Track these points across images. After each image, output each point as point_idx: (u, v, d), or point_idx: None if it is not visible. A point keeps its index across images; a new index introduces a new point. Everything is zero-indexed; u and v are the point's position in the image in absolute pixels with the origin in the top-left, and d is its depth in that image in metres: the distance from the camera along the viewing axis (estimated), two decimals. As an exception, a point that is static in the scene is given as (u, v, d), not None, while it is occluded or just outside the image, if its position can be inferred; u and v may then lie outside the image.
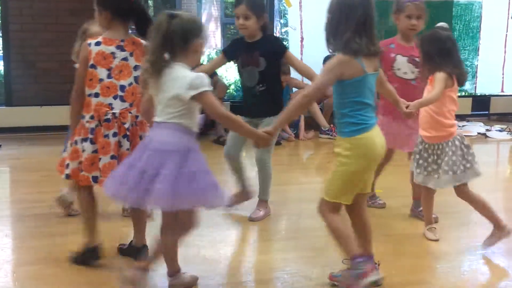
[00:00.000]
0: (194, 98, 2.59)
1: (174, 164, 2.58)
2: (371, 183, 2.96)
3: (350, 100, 2.71)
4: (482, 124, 8.21)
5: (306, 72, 4.01)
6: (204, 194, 2.63)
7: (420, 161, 3.49)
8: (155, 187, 2.55)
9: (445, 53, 3.33)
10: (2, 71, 8.08)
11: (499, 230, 3.40)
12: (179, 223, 2.81)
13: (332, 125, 7.63)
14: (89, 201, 3.18)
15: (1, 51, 8.43)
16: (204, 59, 11.61)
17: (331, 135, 7.42)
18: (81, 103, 3.05)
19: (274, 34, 4.12)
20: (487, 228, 3.84)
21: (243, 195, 4.24)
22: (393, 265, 3.24)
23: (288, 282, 3.08)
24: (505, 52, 8.88)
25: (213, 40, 18.15)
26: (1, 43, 8.01)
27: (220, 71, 11.69)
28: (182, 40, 2.62)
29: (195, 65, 2.76)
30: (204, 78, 2.62)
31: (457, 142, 3.38)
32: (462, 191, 3.44)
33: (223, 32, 18.41)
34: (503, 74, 8.96)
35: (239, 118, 2.73)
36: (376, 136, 2.74)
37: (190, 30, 2.65)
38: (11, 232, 3.85)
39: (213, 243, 3.57)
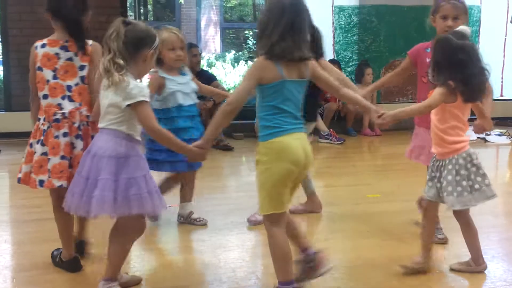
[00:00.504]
0: (130, 106, 2.59)
1: (110, 170, 2.59)
2: (287, 200, 2.75)
3: (267, 104, 2.66)
4: (481, 128, 8.21)
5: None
6: (143, 200, 2.63)
7: (433, 174, 3.19)
8: (94, 194, 2.57)
9: (455, 66, 2.97)
10: (2, 76, 8.09)
11: (476, 264, 3.19)
12: (121, 229, 2.78)
13: (331, 130, 7.66)
14: (61, 211, 3.00)
15: (1, 56, 8.44)
16: (203, 64, 11.62)
17: (331, 140, 7.46)
18: (36, 107, 3.10)
19: (320, 37, 3.93)
20: (486, 232, 3.84)
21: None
22: (391, 269, 3.24)
23: (288, 287, 3.07)
24: (504, 56, 8.91)
25: (213, 45, 18.18)
26: (1, 48, 8.01)
27: (220, 76, 11.72)
28: (133, 47, 2.64)
29: (142, 76, 2.78)
30: (144, 89, 2.62)
31: (461, 161, 3.05)
32: (460, 213, 3.15)
33: (222, 37, 18.44)
34: (502, 78, 8.98)
35: (171, 134, 2.70)
36: (293, 140, 2.65)
37: (143, 38, 2.67)
38: (10, 238, 3.85)
39: (213, 248, 3.56)
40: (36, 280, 3.07)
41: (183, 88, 3.82)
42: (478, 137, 7.74)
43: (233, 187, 5.51)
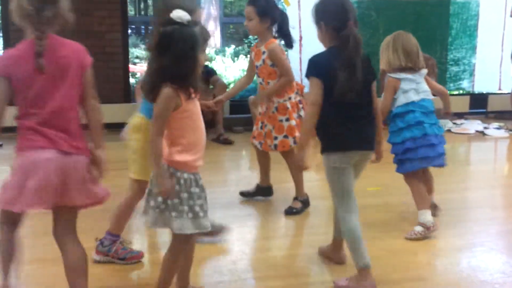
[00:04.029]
0: None
1: None
2: None
3: None
4: (479, 122, 8.23)
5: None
6: None
7: None
8: None
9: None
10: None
11: None
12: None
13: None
14: None
15: (2, 51, 8.46)
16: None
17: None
18: None
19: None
20: (484, 225, 3.88)
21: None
22: (391, 262, 3.27)
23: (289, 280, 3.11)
24: (502, 50, 8.90)
25: (213, 40, 18.18)
26: (2, 43, 8.03)
27: (220, 71, 11.73)
28: None
29: None
30: None
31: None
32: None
33: (222, 32, 18.44)
34: (500, 72, 8.98)
35: None
36: None
37: None
38: (12, 231, 3.87)
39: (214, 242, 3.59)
40: (37, 274, 3.10)
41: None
42: (476, 131, 7.75)
43: (233, 181, 5.52)
